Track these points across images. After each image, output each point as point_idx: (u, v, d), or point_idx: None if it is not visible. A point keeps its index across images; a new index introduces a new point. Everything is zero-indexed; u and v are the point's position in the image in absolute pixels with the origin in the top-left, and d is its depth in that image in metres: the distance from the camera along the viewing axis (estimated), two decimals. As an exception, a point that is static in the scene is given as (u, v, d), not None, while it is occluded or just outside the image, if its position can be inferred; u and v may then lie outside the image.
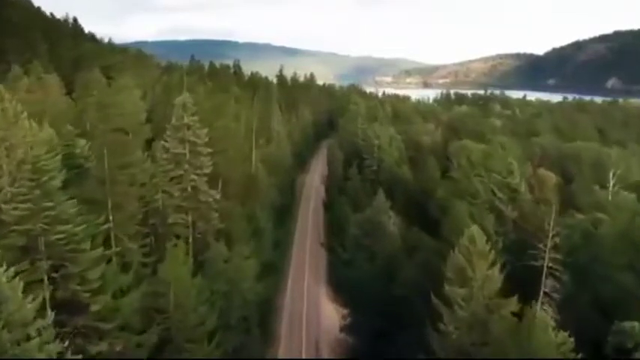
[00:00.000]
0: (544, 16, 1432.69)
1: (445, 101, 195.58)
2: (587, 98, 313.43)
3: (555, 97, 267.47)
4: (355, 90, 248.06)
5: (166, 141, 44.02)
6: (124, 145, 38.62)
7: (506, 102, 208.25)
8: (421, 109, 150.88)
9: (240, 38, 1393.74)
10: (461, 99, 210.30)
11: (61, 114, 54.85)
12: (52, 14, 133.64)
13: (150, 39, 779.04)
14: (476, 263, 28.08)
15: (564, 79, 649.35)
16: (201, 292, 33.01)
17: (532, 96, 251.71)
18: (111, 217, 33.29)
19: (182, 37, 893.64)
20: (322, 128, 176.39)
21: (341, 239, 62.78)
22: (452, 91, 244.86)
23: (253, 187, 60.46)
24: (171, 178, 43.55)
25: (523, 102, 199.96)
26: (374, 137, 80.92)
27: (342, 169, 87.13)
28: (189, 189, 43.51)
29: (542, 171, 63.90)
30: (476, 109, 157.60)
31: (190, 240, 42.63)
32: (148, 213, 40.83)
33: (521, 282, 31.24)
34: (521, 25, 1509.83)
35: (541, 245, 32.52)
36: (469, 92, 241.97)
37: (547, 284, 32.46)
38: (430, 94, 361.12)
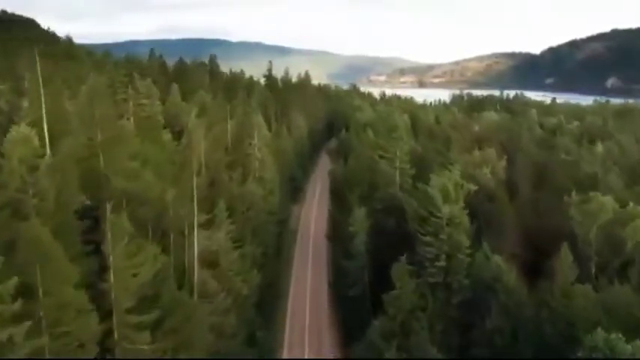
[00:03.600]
0: (539, 15, 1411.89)
1: (464, 105, 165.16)
2: (589, 98, 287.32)
3: (558, 97, 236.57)
4: (355, 91, 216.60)
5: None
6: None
7: (528, 104, 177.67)
8: (443, 118, 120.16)
9: (232, 37, 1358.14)
10: (477, 101, 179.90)
11: None
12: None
13: (142, 38, 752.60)
14: None
15: (562, 79, 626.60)
16: None
17: (530, 95, 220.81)
18: None
19: (174, 37, 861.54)
20: (320, 138, 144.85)
21: None
22: (464, 92, 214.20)
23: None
24: None
25: (551, 105, 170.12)
26: (435, 201, 41.59)
27: (368, 244, 47.27)
28: None
29: None
30: (506, 114, 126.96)
31: None
32: None
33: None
34: (517, 24, 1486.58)
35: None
36: (483, 93, 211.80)
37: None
38: (427, 94, 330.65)
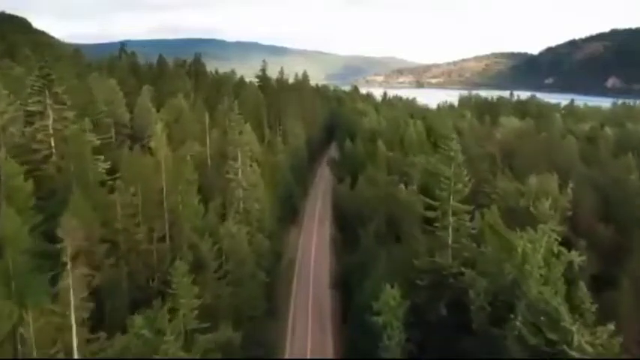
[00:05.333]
0: (538, 15, 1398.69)
1: (475, 108, 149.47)
2: (589, 98, 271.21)
3: (557, 98, 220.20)
4: (356, 92, 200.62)
5: None
6: None
7: (544, 106, 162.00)
8: (458, 124, 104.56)
9: (228, 37, 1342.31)
10: (488, 104, 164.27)
11: None
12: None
13: (138, 38, 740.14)
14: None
15: (561, 79, 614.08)
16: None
17: (530, 96, 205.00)
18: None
19: (170, 37, 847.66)
20: (320, 145, 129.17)
21: None
22: (472, 92, 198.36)
23: None
24: None
25: (570, 108, 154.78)
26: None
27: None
28: None
29: None
30: (529, 120, 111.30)
31: None
32: None
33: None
34: (515, 24, 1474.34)
35: None
36: (493, 94, 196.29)
37: None
38: (428, 94, 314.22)
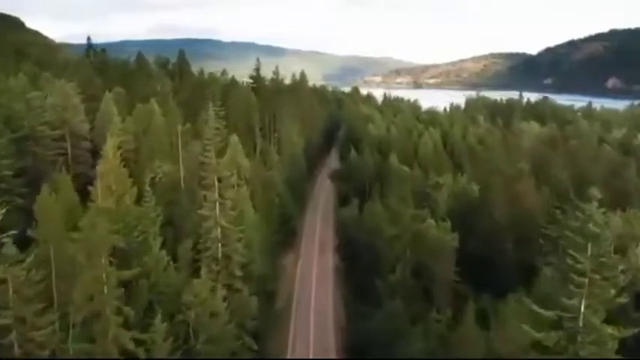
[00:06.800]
0: (536, 16, 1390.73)
1: (485, 111, 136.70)
2: (590, 99, 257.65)
3: (557, 99, 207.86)
4: (357, 94, 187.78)
5: None
6: None
7: (557, 109, 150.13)
8: (471, 129, 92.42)
9: (224, 37, 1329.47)
10: (498, 107, 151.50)
11: None
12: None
13: (135, 38, 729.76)
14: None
15: (561, 79, 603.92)
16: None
17: (529, 96, 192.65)
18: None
19: (167, 37, 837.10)
20: (319, 152, 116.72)
21: None
22: (475, 93, 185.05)
23: None
24: None
25: (587, 111, 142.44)
26: None
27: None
28: None
29: None
30: (552, 125, 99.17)
31: None
32: None
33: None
34: (513, 25, 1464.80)
35: None
36: (502, 96, 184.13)
37: None
38: (429, 95, 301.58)
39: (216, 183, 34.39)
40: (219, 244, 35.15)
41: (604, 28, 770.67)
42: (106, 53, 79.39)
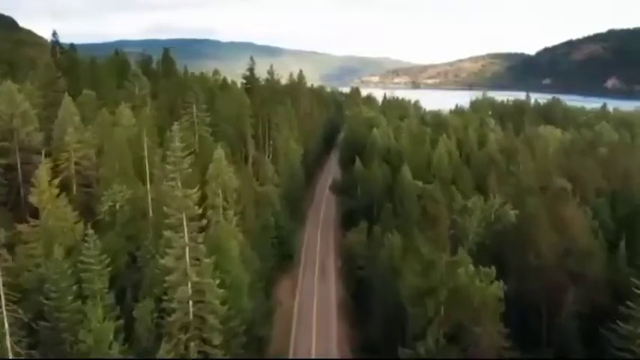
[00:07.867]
0: (534, 16, 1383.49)
1: (491, 112, 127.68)
2: (590, 99, 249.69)
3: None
4: (357, 95, 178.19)
5: None
6: None
7: (568, 110, 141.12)
8: (484, 132, 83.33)
9: (222, 37, 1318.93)
10: (506, 108, 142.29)
11: None
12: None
13: (132, 38, 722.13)
14: None
15: (559, 80, 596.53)
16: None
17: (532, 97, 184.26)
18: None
19: (164, 37, 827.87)
20: (317, 158, 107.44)
21: None
22: (482, 94, 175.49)
23: None
24: None
25: (601, 113, 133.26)
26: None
27: None
28: None
29: None
30: (573, 130, 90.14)
31: None
32: None
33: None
34: (512, 25, 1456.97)
35: None
36: (509, 97, 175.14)
37: None
38: (422, 95, 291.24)
39: (185, 222, 25.02)
40: (190, 303, 25.74)
41: (602, 28, 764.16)
42: (76, 51, 69.61)
